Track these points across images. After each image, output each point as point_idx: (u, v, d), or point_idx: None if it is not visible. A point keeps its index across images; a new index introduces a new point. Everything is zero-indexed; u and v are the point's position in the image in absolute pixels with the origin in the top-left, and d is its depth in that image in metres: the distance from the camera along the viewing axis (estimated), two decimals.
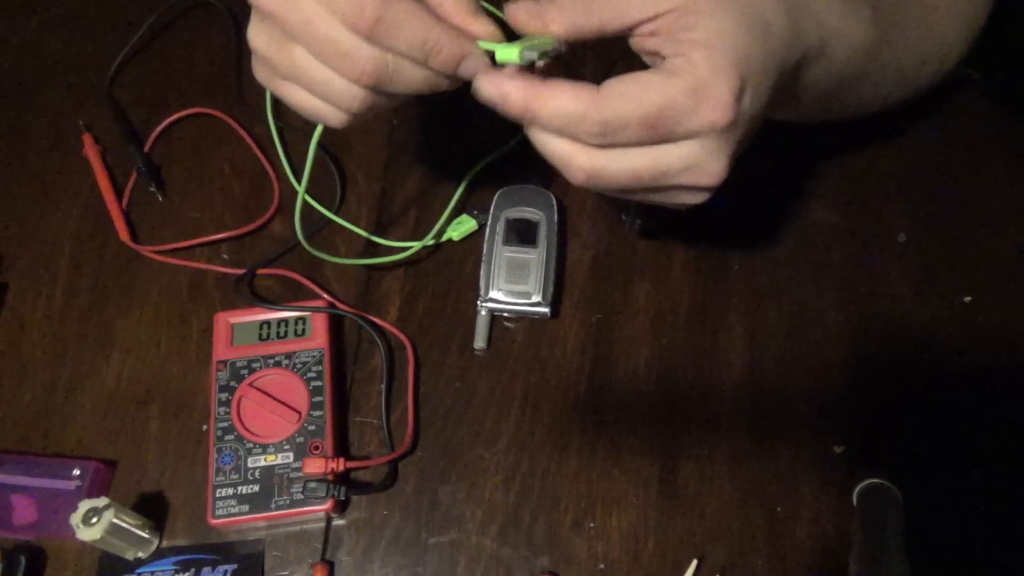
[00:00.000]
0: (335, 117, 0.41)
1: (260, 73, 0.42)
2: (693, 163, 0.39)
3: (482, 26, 0.39)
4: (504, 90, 0.38)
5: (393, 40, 0.37)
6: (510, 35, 0.40)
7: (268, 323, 0.56)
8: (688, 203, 0.42)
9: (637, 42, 0.41)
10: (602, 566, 0.51)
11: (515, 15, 0.39)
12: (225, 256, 0.61)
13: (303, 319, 0.56)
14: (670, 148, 0.39)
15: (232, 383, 0.54)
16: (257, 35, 0.40)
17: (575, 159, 0.39)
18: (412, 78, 0.39)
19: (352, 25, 0.36)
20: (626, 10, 0.39)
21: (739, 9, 0.39)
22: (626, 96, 0.37)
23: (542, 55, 0.39)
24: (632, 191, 0.41)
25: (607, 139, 0.38)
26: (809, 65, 0.44)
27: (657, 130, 0.38)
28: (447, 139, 0.66)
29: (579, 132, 0.38)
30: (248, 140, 0.65)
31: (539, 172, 0.62)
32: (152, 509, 0.52)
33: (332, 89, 0.39)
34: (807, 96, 0.47)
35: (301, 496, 0.51)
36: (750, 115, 0.39)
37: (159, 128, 0.65)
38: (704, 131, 0.38)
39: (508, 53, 0.38)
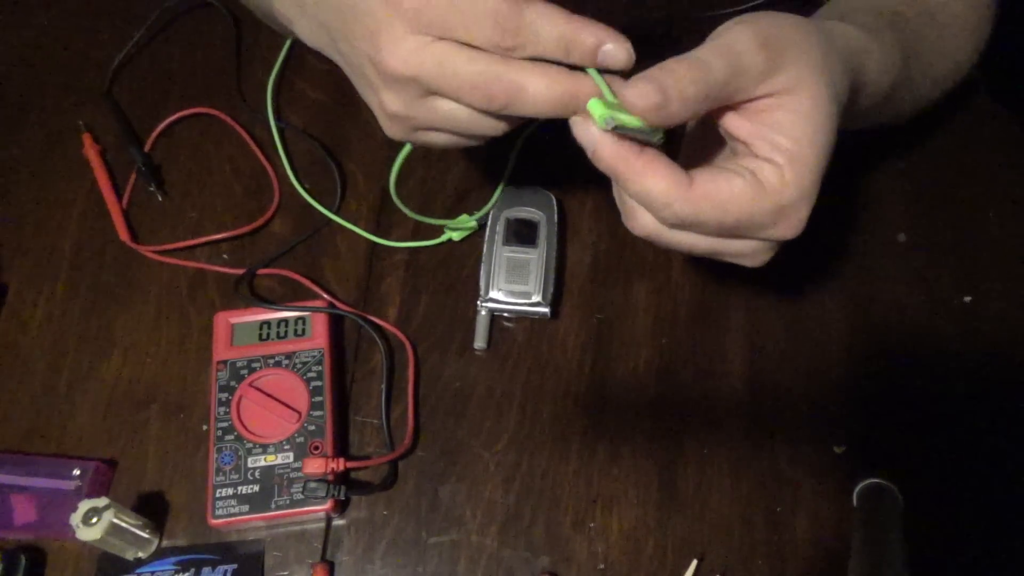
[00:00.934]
0: (477, 142, 0.43)
1: (396, 132, 0.42)
2: (748, 252, 0.41)
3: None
4: (596, 144, 0.37)
5: (536, 45, 0.37)
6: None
7: (268, 323, 0.56)
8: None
9: (727, 122, 0.40)
10: (602, 566, 0.52)
11: (630, 100, 0.36)
12: (225, 256, 0.61)
13: (303, 319, 0.56)
14: (735, 242, 0.40)
15: (232, 383, 0.54)
16: (393, 102, 0.40)
17: (643, 221, 0.40)
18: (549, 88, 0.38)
19: (499, 43, 0.36)
20: (744, 89, 0.37)
21: (830, 101, 0.38)
22: (715, 202, 0.37)
23: (627, 130, 0.36)
24: (680, 251, 0.43)
25: (683, 228, 0.39)
26: (853, 110, 0.45)
27: (732, 233, 0.39)
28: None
29: (658, 214, 0.38)
30: (248, 140, 0.65)
31: (539, 172, 0.62)
32: (152, 509, 0.52)
33: (476, 123, 0.40)
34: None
35: (301, 496, 0.51)
36: None
37: (159, 128, 0.65)
38: (775, 240, 0.40)
39: (594, 108, 0.36)
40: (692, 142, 0.45)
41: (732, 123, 0.39)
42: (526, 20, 0.36)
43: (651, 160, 0.37)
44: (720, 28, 0.39)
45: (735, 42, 0.37)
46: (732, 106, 0.39)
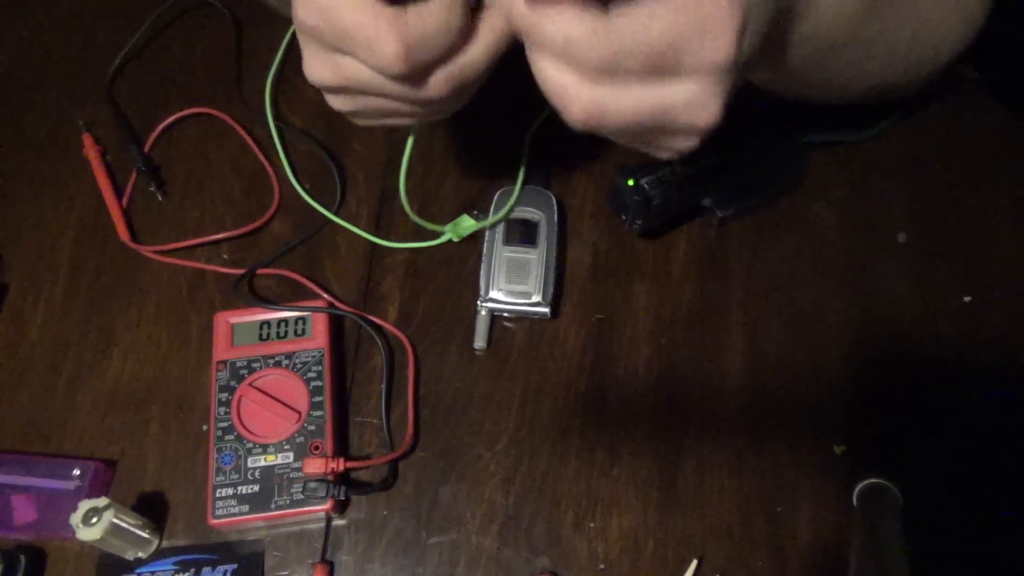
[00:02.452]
0: (445, 114, 0.43)
1: (359, 122, 0.44)
2: (692, 101, 0.38)
3: None
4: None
5: (433, 53, 0.38)
6: None
7: (268, 323, 0.56)
8: (679, 148, 0.41)
9: None
10: (602, 566, 0.51)
11: None
12: (225, 256, 0.61)
13: (303, 319, 0.56)
14: (672, 84, 0.37)
15: (232, 383, 0.54)
16: (336, 102, 0.42)
17: (577, 93, 0.37)
18: (476, 62, 0.39)
19: (392, 73, 0.37)
20: None
21: None
22: (635, 24, 0.35)
23: None
24: (630, 132, 0.40)
25: (611, 67, 0.36)
26: (796, 17, 0.43)
27: (662, 63, 0.36)
28: (447, 138, 0.66)
29: (583, 57, 0.36)
30: (248, 140, 0.65)
31: (539, 172, 0.62)
32: (152, 509, 0.52)
33: (383, 86, 0.40)
34: (792, 56, 0.46)
35: (301, 496, 0.51)
36: (746, 57, 0.38)
37: (159, 128, 0.65)
38: (706, 69, 0.37)
39: None
40: None
41: None
42: (412, 35, 0.36)
43: (562, 1, 0.35)
44: None
45: None
46: None
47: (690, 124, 0.39)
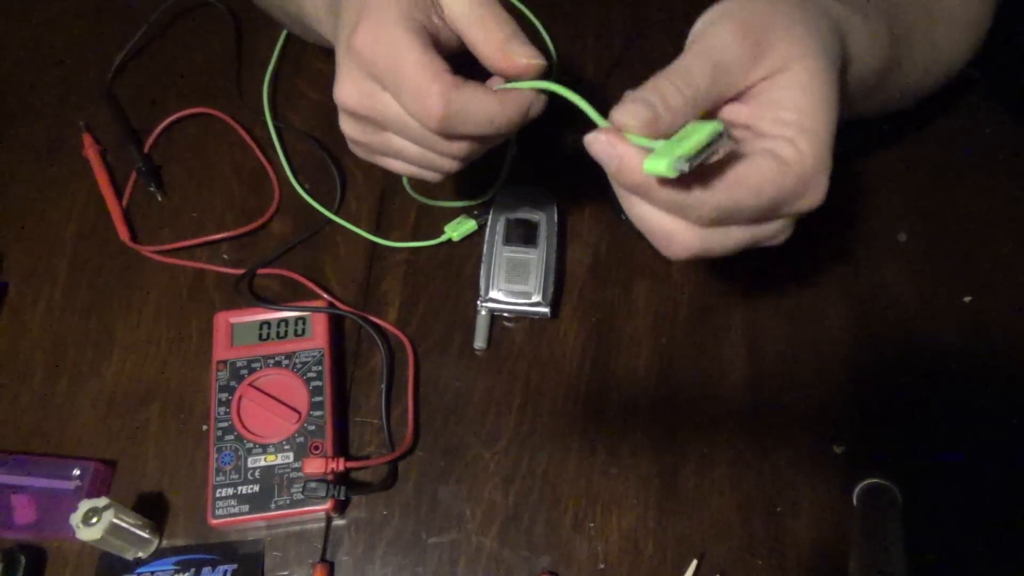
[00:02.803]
0: (435, 177, 0.46)
1: (357, 151, 0.46)
2: (778, 232, 0.41)
3: (521, 58, 0.40)
4: (621, 156, 0.36)
5: (463, 128, 0.40)
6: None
7: (268, 323, 0.56)
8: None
9: (725, 112, 0.40)
10: (602, 566, 0.51)
11: (621, 121, 0.37)
12: (225, 256, 0.61)
13: (303, 319, 0.56)
14: (767, 224, 0.41)
15: (232, 383, 0.54)
16: (350, 128, 0.44)
17: (681, 238, 0.39)
18: (493, 141, 0.43)
19: (425, 124, 0.39)
20: (733, 84, 0.38)
21: (826, 71, 0.39)
22: (746, 186, 0.37)
23: (698, 157, 0.34)
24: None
25: (720, 223, 0.38)
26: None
27: (766, 215, 0.39)
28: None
29: (693, 214, 0.38)
30: (248, 140, 0.65)
31: (539, 172, 0.62)
32: (152, 509, 0.52)
33: (428, 160, 0.43)
34: None
35: (301, 496, 0.51)
36: None
37: (159, 128, 0.65)
38: (802, 212, 0.40)
39: (656, 165, 0.34)
40: None
41: (730, 112, 0.40)
42: (453, 107, 0.39)
43: None
44: (699, 23, 0.40)
45: (715, 39, 0.38)
46: (733, 99, 0.39)
47: (769, 245, 0.42)
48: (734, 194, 0.37)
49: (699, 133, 0.34)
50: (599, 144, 0.37)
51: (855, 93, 0.47)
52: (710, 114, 0.40)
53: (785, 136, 0.38)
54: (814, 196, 0.39)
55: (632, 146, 0.36)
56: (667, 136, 0.36)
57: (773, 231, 0.41)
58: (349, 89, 0.41)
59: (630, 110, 0.36)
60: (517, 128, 0.42)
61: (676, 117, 0.36)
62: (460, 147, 0.42)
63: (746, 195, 0.37)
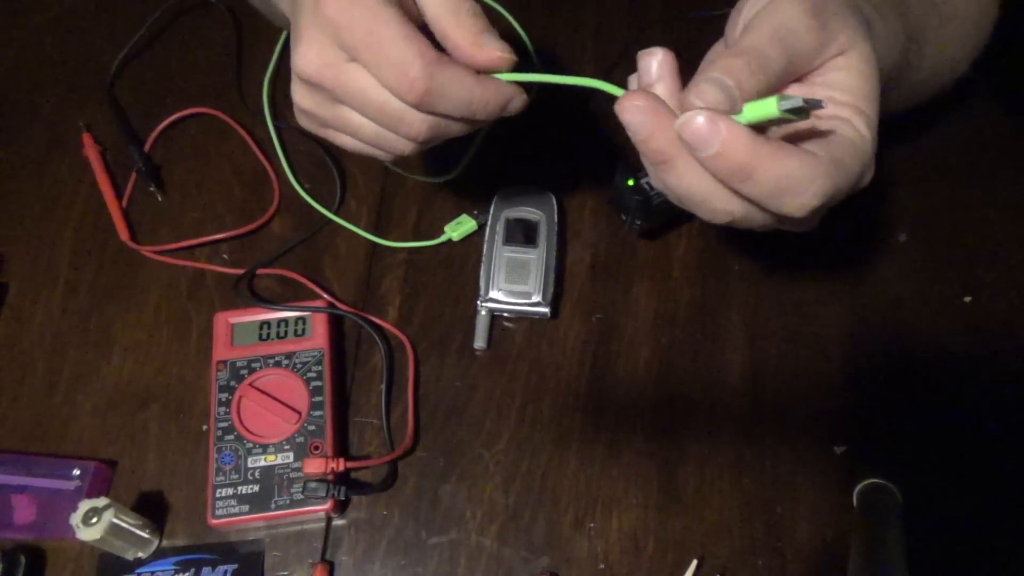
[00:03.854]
0: (386, 157, 0.43)
1: (305, 123, 0.43)
2: (818, 216, 0.39)
3: (494, 50, 0.39)
4: (725, 140, 0.33)
5: (442, 106, 0.38)
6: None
7: (268, 323, 0.56)
8: None
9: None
10: (602, 566, 0.51)
11: (693, 104, 0.35)
12: (225, 256, 0.61)
13: (303, 319, 0.56)
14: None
15: (232, 383, 0.54)
16: (304, 97, 0.41)
17: (726, 207, 0.37)
18: (462, 128, 0.41)
19: (402, 97, 0.38)
20: (804, 64, 0.37)
21: (875, 58, 0.38)
22: (844, 167, 0.36)
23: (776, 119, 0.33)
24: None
25: (825, 204, 0.37)
26: None
27: (841, 195, 0.38)
28: (447, 139, 0.65)
29: (799, 197, 0.35)
30: (248, 140, 0.65)
31: (539, 172, 0.62)
32: (152, 509, 0.52)
33: (383, 140, 0.41)
34: None
35: (301, 496, 0.51)
36: None
37: (159, 128, 0.65)
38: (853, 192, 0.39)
39: (764, 108, 0.33)
40: None
41: (788, 92, 0.39)
42: (436, 82, 0.37)
43: (777, 144, 0.35)
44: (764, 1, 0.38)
45: (787, 21, 0.36)
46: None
47: (802, 229, 0.40)
48: (833, 175, 0.35)
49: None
50: (694, 129, 0.33)
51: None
52: None
53: (841, 117, 0.38)
54: (870, 176, 0.38)
55: (739, 133, 0.33)
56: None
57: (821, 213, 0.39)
58: (311, 56, 0.38)
59: (704, 91, 0.34)
60: (491, 119, 0.40)
61: (747, 100, 0.35)
62: (423, 129, 0.39)
63: (842, 176, 0.36)
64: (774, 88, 0.36)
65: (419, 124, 0.39)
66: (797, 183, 0.34)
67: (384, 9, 0.37)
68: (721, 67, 0.35)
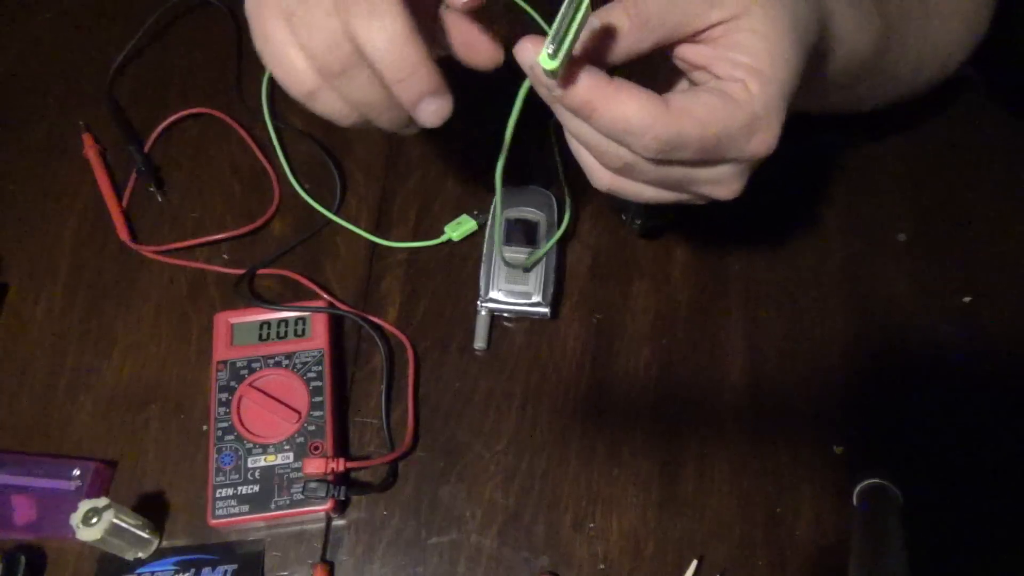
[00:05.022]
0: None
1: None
2: (719, 179, 0.40)
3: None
4: (562, 79, 0.35)
5: (345, 96, 0.39)
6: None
7: (268, 323, 0.56)
8: (689, 204, 0.42)
9: (682, 52, 0.39)
10: (602, 566, 0.51)
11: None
12: (225, 256, 0.61)
13: (303, 319, 0.56)
14: (713, 168, 0.39)
15: (232, 383, 0.54)
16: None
17: (616, 157, 0.38)
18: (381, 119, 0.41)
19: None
20: (687, 22, 0.37)
21: (787, 23, 0.38)
22: (694, 118, 0.36)
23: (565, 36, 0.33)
24: (647, 199, 0.41)
25: (662, 154, 0.37)
26: (821, 67, 0.44)
27: (709, 155, 0.38)
28: (448, 139, 0.66)
29: (634, 143, 0.37)
30: (248, 140, 0.65)
31: (539, 172, 0.62)
32: (152, 509, 0.52)
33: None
34: (809, 97, 0.48)
35: (301, 496, 0.51)
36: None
37: (159, 128, 0.65)
38: (746, 158, 0.39)
39: (543, 60, 0.33)
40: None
41: (689, 52, 0.39)
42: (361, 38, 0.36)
43: (623, 85, 0.36)
44: None
45: None
46: (687, 38, 0.38)
47: (711, 195, 0.41)
48: (679, 123, 0.36)
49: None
50: (523, 52, 0.35)
51: (842, 77, 0.47)
52: (667, 52, 0.39)
53: (736, 77, 0.37)
54: (762, 141, 0.38)
55: (583, 70, 0.35)
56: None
57: (716, 175, 0.39)
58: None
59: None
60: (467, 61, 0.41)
61: (625, 46, 0.36)
62: (343, 105, 0.40)
63: (690, 126, 0.36)
64: (654, 33, 0.37)
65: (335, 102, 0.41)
66: (635, 126, 0.36)
67: None
68: (600, 13, 0.36)
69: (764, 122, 0.37)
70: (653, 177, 0.39)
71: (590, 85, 0.36)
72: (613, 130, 0.37)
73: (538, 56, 0.34)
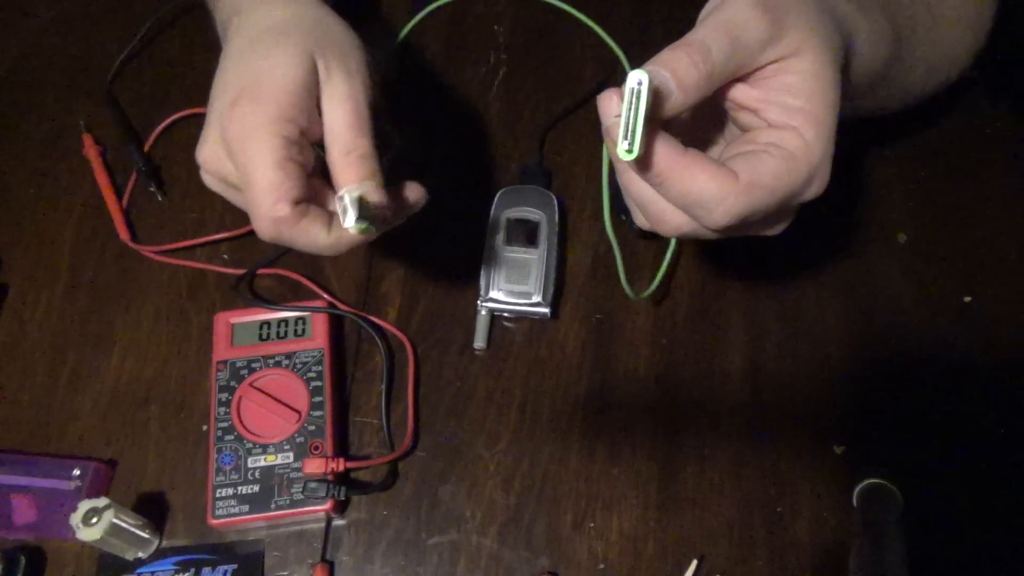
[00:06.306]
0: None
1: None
2: (771, 224, 0.41)
3: (362, 170, 0.42)
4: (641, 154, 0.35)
5: (291, 245, 0.42)
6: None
7: (268, 323, 0.56)
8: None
9: (732, 94, 0.39)
10: (602, 566, 0.51)
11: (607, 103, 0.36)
12: (225, 256, 0.61)
13: (303, 319, 0.56)
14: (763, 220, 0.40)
15: (232, 383, 0.54)
16: (208, 180, 0.45)
17: (679, 221, 0.39)
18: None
19: (257, 230, 0.42)
20: (746, 65, 0.37)
21: (833, 60, 0.38)
22: (764, 188, 0.36)
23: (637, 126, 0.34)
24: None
25: (738, 229, 0.38)
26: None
27: (779, 213, 0.39)
28: (448, 139, 0.66)
29: (704, 217, 0.36)
30: None
31: (539, 172, 0.62)
32: (152, 509, 0.52)
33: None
34: None
35: (301, 496, 0.51)
36: None
37: (159, 128, 0.65)
38: (805, 202, 0.39)
39: (627, 155, 0.34)
40: (682, 125, 0.44)
41: (740, 93, 0.39)
42: (284, 236, 0.41)
43: (696, 158, 0.36)
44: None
45: (734, 12, 0.36)
46: (739, 79, 0.38)
47: (761, 233, 0.42)
48: (750, 196, 0.36)
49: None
50: (606, 140, 0.36)
51: (858, 89, 0.47)
52: (719, 94, 0.39)
53: (791, 125, 0.37)
54: (819, 185, 0.38)
55: (660, 140, 0.35)
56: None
57: (772, 221, 0.40)
58: (207, 153, 0.42)
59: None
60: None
61: (688, 95, 0.35)
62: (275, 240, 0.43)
63: (761, 196, 0.36)
64: (717, 80, 0.36)
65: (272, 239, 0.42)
66: (707, 200, 0.36)
67: (267, 146, 0.40)
68: (661, 58, 0.35)
69: (821, 168, 0.38)
70: (711, 235, 0.39)
71: (666, 155, 0.36)
72: (684, 202, 0.37)
73: (616, 152, 0.34)
